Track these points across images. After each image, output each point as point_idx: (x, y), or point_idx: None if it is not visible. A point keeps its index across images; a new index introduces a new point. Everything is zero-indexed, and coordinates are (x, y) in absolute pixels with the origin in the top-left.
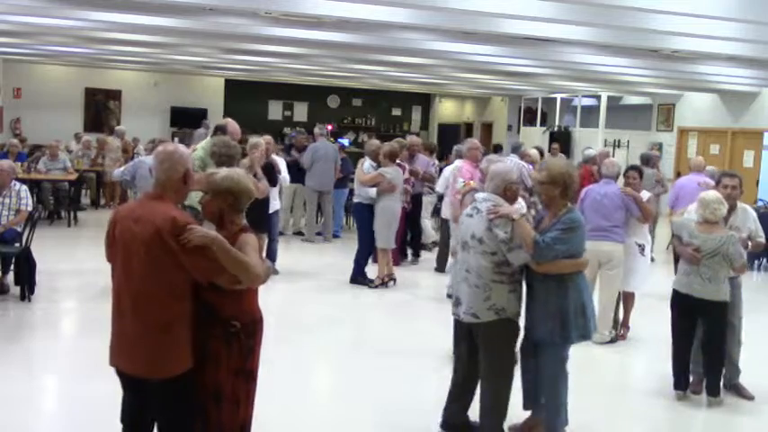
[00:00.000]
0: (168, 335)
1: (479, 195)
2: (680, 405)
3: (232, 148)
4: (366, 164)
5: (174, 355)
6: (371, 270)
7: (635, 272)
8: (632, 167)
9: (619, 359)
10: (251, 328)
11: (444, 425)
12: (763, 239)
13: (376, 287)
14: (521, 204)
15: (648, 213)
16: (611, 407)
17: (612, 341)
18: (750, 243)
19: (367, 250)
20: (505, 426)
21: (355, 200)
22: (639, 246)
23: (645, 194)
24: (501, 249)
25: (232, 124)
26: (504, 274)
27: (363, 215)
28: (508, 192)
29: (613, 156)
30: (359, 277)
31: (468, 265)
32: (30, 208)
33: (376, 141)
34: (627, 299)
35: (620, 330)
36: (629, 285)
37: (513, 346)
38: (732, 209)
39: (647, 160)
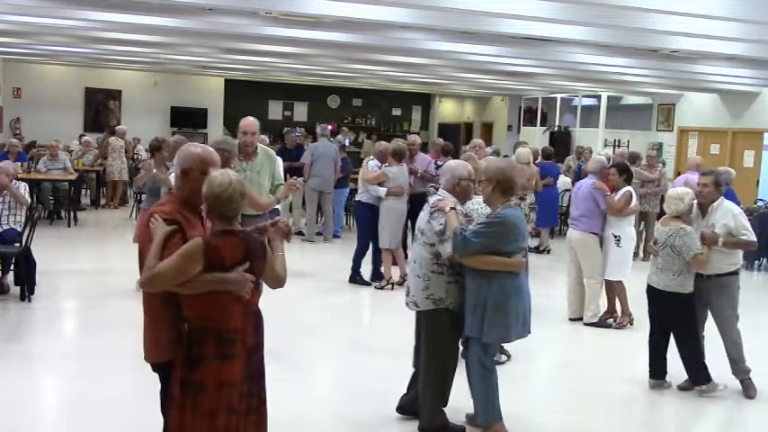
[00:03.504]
0: (149, 324)
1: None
2: (677, 399)
3: (227, 144)
4: (371, 163)
5: (152, 344)
6: (365, 271)
7: (611, 261)
8: (613, 165)
9: (613, 355)
10: (197, 335)
11: (399, 409)
12: (746, 237)
13: (382, 288)
14: (453, 199)
15: (612, 207)
16: (604, 402)
17: (599, 326)
18: (721, 240)
19: (364, 250)
20: (464, 416)
21: (357, 198)
22: (615, 237)
23: (624, 190)
24: (436, 241)
25: (243, 120)
26: (443, 266)
27: (363, 214)
28: (458, 188)
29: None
30: (357, 277)
31: (415, 256)
32: (27, 198)
33: (384, 143)
34: (609, 287)
35: (618, 319)
36: (608, 274)
37: (451, 336)
38: (707, 206)
39: (634, 159)
